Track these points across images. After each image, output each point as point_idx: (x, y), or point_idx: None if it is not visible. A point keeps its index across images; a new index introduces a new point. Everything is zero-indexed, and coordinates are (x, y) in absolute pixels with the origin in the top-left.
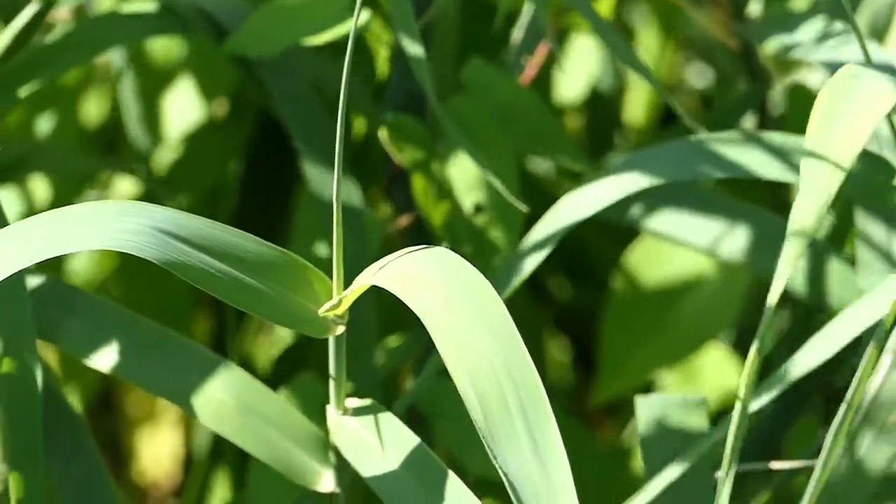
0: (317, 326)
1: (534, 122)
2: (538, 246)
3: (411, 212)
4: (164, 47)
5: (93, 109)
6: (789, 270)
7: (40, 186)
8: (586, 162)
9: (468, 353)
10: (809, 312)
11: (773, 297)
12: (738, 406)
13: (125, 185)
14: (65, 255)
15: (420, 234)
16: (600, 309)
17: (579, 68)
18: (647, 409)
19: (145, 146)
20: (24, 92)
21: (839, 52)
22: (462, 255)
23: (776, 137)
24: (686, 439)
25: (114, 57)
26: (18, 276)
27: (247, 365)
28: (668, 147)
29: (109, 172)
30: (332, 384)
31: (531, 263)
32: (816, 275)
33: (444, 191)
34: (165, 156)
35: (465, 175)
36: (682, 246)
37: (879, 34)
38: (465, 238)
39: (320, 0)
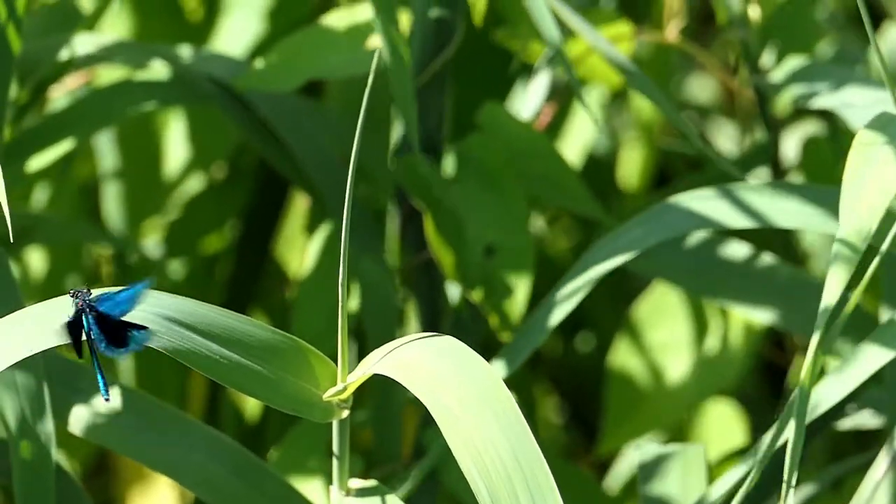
0: (321, 411)
1: (547, 166)
2: (561, 302)
3: (423, 252)
4: (161, 116)
5: (84, 171)
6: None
7: (35, 257)
8: (597, 208)
9: (477, 445)
10: None
11: (811, 353)
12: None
13: None
14: None
15: (431, 275)
16: (594, 365)
17: (576, 134)
18: (644, 458)
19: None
20: (34, 164)
21: (860, 101)
22: (473, 298)
23: (793, 186)
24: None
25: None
26: (35, 361)
27: (239, 421)
28: (683, 199)
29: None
30: (335, 466)
31: (556, 318)
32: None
33: (456, 232)
34: (164, 217)
35: (478, 217)
36: (692, 297)
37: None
38: (476, 281)
39: (334, 39)
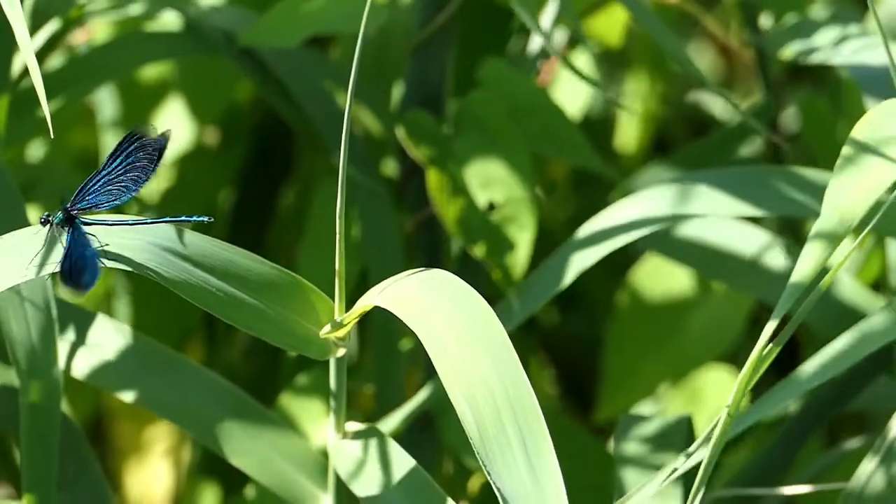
0: (318, 348)
1: (549, 121)
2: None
3: (425, 209)
4: (155, 70)
5: (80, 136)
6: (790, 303)
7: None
8: (598, 160)
9: (466, 376)
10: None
11: (770, 326)
12: (716, 432)
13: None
14: None
15: (433, 232)
16: (589, 337)
17: (572, 96)
18: (627, 429)
19: None
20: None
21: (859, 56)
22: (475, 253)
23: (804, 173)
24: (662, 459)
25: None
26: (45, 299)
27: (234, 376)
28: (695, 177)
29: None
30: (332, 406)
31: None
32: (839, 305)
33: (458, 188)
34: (158, 184)
35: (480, 172)
36: (688, 269)
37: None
38: (478, 235)
39: None
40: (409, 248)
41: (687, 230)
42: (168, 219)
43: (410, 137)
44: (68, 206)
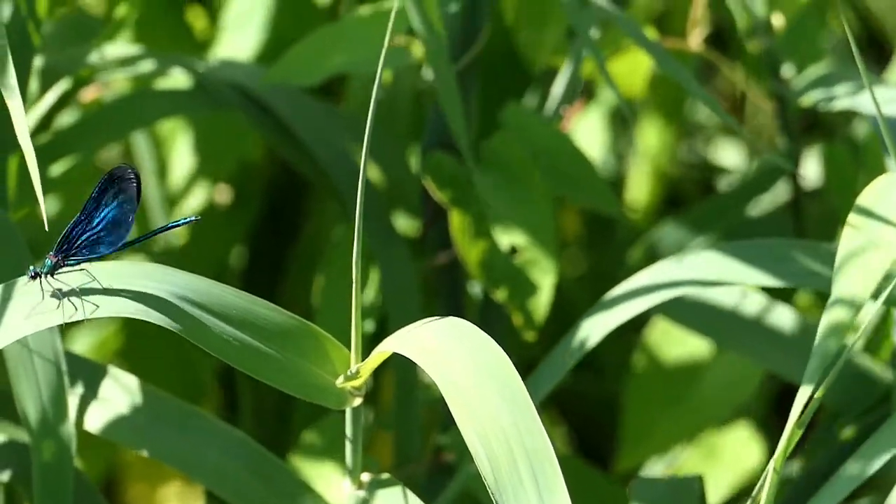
0: (334, 397)
1: (571, 165)
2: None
3: (446, 252)
4: (168, 130)
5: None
6: (813, 384)
7: None
8: (618, 205)
9: (481, 419)
10: (834, 416)
11: (796, 410)
12: None
13: None
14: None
15: (454, 276)
16: (601, 394)
17: (585, 147)
18: (641, 492)
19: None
20: (57, 169)
21: (882, 107)
22: (497, 297)
23: (821, 247)
24: None
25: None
26: (54, 353)
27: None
28: (720, 250)
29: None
30: (347, 457)
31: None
32: (846, 380)
33: (481, 230)
34: (170, 241)
35: (502, 215)
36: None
37: None
38: (500, 279)
39: (359, 33)
40: (430, 292)
41: (696, 296)
42: (157, 229)
43: (433, 180)
44: (51, 254)
